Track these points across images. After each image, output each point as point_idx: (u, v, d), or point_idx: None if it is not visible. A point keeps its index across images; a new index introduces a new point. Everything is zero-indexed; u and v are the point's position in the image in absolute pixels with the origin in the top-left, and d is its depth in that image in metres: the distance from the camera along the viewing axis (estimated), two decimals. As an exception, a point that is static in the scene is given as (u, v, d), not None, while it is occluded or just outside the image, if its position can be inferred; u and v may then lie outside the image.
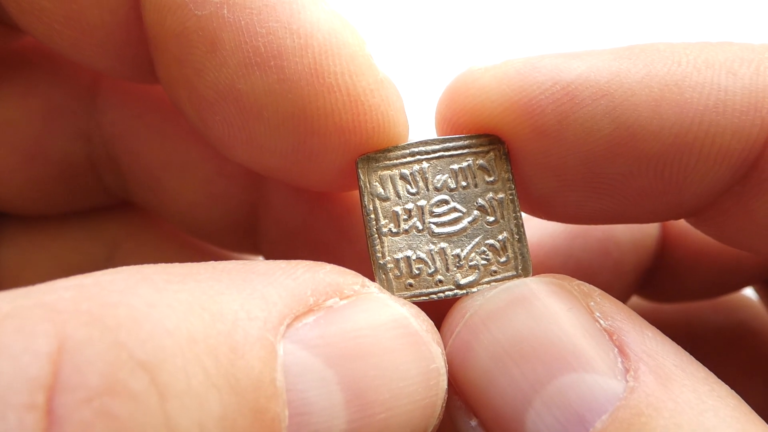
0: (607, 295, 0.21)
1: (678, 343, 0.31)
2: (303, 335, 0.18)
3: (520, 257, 0.22)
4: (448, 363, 0.20)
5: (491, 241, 0.22)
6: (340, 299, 0.19)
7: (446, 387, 0.20)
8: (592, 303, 0.20)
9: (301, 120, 0.21)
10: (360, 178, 0.22)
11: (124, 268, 0.17)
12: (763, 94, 0.20)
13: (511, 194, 0.22)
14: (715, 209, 0.22)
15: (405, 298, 0.22)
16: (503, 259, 0.22)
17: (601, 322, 0.19)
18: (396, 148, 0.23)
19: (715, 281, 0.31)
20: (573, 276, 0.31)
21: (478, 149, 0.22)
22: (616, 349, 0.19)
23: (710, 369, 0.20)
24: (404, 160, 0.23)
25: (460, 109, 0.22)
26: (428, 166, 0.22)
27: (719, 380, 0.19)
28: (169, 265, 0.18)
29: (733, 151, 0.20)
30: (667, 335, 0.21)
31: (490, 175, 0.22)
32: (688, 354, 0.20)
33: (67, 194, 0.30)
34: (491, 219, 0.22)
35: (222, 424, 0.15)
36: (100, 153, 0.29)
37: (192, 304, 0.16)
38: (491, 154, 0.22)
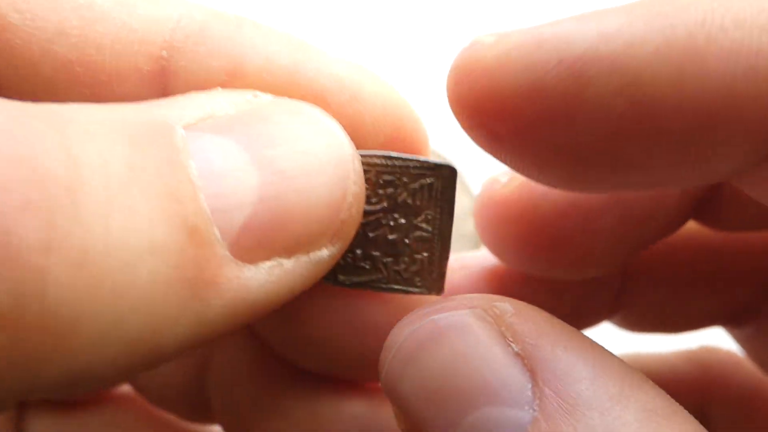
0: (524, 310, 0.20)
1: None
2: (202, 125, 0.18)
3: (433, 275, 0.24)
4: (386, 395, 0.21)
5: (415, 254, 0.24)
6: (236, 110, 0.19)
7: (356, 176, 0.20)
8: (503, 328, 0.19)
9: (354, 139, 0.22)
10: None
11: None
12: None
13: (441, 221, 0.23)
14: (758, 175, 0.20)
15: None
16: (414, 268, 0.24)
17: (513, 347, 0.19)
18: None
19: None
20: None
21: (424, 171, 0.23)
22: (529, 374, 0.18)
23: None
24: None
25: (465, 92, 0.21)
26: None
27: (639, 391, 0.18)
28: None
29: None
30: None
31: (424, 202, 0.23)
32: (611, 364, 0.19)
33: None
34: (419, 234, 0.23)
35: (128, 167, 0.16)
36: None
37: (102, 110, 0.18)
38: (428, 180, 0.23)
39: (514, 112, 0.20)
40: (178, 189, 0.17)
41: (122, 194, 0.15)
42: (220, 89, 0.20)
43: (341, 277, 0.24)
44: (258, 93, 0.21)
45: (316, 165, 0.19)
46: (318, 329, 0.24)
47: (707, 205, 0.29)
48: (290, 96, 0.21)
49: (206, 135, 0.18)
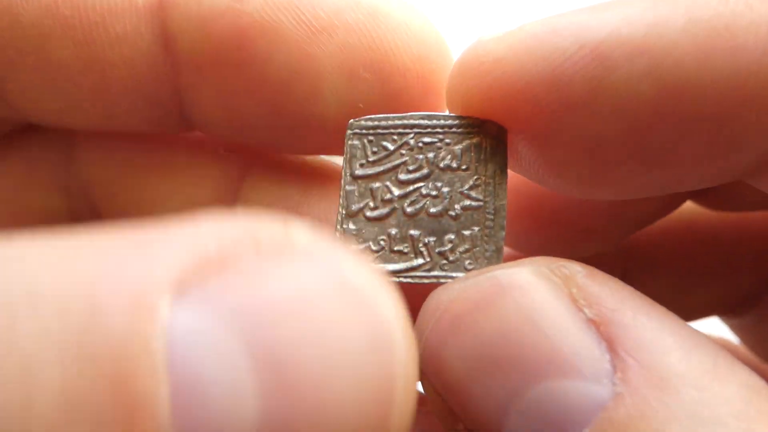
0: (596, 272, 0.18)
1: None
2: (201, 297, 0.13)
3: (489, 253, 0.20)
4: (422, 369, 0.18)
5: (464, 232, 0.20)
6: (256, 252, 0.14)
7: (407, 359, 0.14)
8: (574, 289, 0.17)
9: (380, 60, 0.21)
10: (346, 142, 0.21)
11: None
12: None
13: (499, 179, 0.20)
14: None
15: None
16: (462, 248, 0.20)
17: (586, 311, 0.17)
18: (391, 117, 0.21)
19: None
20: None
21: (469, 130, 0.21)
22: (605, 344, 0.16)
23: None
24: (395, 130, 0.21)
25: (473, 87, 0.19)
26: (414, 142, 0.21)
27: (734, 368, 0.16)
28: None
29: None
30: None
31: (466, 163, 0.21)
32: (699, 337, 0.16)
33: None
34: (471, 204, 0.20)
35: (62, 399, 0.11)
36: (80, 204, 0.28)
37: (47, 255, 0.12)
38: (474, 140, 0.20)
39: (530, 103, 0.19)
40: None
41: None
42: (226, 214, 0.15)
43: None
44: (291, 225, 0.15)
45: (348, 356, 0.13)
46: None
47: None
48: (303, 16, 0.20)
49: (190, 316, 0.12)
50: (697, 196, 0.29)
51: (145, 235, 0.13)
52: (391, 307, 0.14)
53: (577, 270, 0.18)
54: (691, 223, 0.31)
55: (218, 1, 0.20)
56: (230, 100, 0.22)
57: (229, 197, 0.27)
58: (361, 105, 0.22)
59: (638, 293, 0.18)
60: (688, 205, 0.30)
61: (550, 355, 0.16)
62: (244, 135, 0.24)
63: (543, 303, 0.17)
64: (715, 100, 0.17)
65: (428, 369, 0.18)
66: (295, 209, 0.25)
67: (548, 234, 0.28)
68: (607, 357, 0.16)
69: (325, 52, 0.21)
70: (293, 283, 0.14)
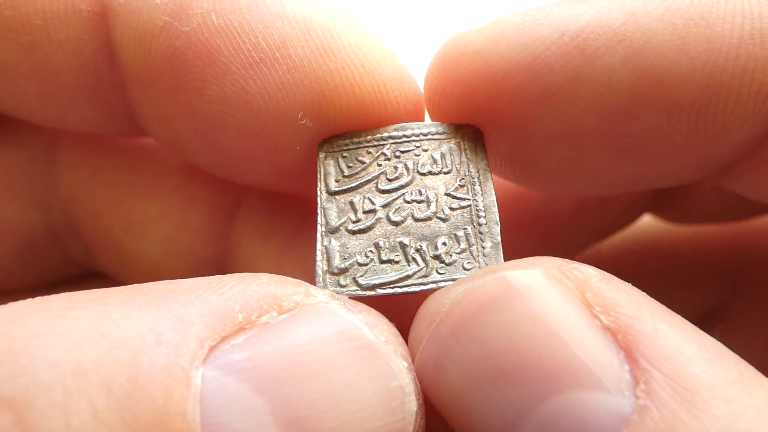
0: (610, 277, 0.17)
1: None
2: (228, 359, 0.14)
3: (485, 253, 0.20)
4: (418, 380, 0.17)
5: (456, 233, 0.20)
6: (279, 313, 0.16)
7: (416, 409, 0.16)
8: (589, 294, 0.16)
9: (323, 104, 0.19)
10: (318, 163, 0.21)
11: (31, 299, 0.15)
12: None
13: (484, 173, 0.20)
14: (752, 161, 0.19)
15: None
16: (458, 249, 0.20)
17: (602, 318, 0.15)
18: (362, 133, 0.21)
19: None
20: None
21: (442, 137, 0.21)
22: (623, 353, 0.15)
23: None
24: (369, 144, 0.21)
25: (453, 79, 0.19)
26: (391, 152, 0.21)
27: (758, 378, 0.15)
28: (80, 291, 0.16)
29: None
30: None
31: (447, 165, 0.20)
32: (720, 346, 0.16)
33: (27, 266, 0.27)
34: (458, 206, 0.20)
35: None
36: (59, 220, 0.27)
37: (90, 330, 0.14)
38: (452, 143, 0.20)
39: (511, 93, 0.18)
40: None
41: None
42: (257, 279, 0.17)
43: (362, 281, 0.19)
44: (311, 290, 0.17)
45: (362, 411, 0.15)
46: None
47: (662, 197, 0.29)
48: (242, 44, 0.19)
49: (218, 378, 0.14)
50: (656, 207, 0.30)
51: (176, 299, 0.15)
52: (401, 362, 0.16)
53: (591, 273, 0.16)
54: (648, 239, 0.32)
55: (156, 16, 0.19)
56: (169, 122, 0.22)
57: (224, 223, 0.26)
58: (298, 147, 0.21)
59: (654, 300, 0.17)
60: (647, 220, 0.31)
61: (566, 364, 0.15)
62: (185, 156, 0.23)
63: (556, 307, 0.15)
64: (692, 87, 0.18)
65: (425, 381, 0.17)
66: (292, 240, 0.24)
67: (509, 240, 0.28)
68: (627, 367, 0.15)
69: (261, 89, 0.19)
70: (311, 339, 0.15)
